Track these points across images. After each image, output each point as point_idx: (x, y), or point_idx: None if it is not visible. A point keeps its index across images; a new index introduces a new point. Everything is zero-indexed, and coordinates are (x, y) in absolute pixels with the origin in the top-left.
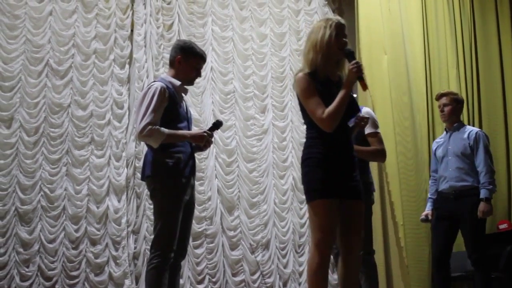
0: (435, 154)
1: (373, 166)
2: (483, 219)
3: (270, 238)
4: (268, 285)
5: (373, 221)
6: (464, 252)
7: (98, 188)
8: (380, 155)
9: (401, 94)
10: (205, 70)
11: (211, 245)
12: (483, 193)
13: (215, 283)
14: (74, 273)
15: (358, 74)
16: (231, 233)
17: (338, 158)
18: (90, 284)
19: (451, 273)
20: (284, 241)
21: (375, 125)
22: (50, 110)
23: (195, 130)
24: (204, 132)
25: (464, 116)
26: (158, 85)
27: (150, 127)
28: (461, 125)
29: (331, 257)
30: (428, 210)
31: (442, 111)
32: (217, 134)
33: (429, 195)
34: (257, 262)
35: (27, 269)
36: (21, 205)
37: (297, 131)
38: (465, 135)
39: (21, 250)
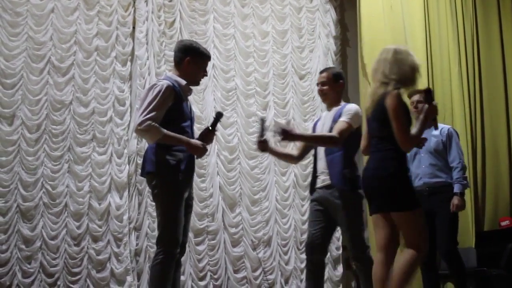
0: None
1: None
2: (457, 215)
3: (272, 235)
4: (269, 281)
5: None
6: (467, 248)
7: (100, 185)
8: (328, 140)
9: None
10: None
11: (212, 242)
12: (457, 188)
13: (216, 279)
14: (76, 270)
15: (435, 115)
16: (233, 230)
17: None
18: (92, 280)
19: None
20: (286, 238)
21: (349, 116)
22: (52, 107)
23: (193, 140)
24: (202, 144)
25: (466, 114)
26: (165, 83)
27: (149, 122)
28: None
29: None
30: None
31: (416, 107)
32: (218, 132)
33: None
34: (258, 259)
35: (29, 266)
36: (23, 202)
37: (299, 128)
38: (437, 132)
39: (23, 246)
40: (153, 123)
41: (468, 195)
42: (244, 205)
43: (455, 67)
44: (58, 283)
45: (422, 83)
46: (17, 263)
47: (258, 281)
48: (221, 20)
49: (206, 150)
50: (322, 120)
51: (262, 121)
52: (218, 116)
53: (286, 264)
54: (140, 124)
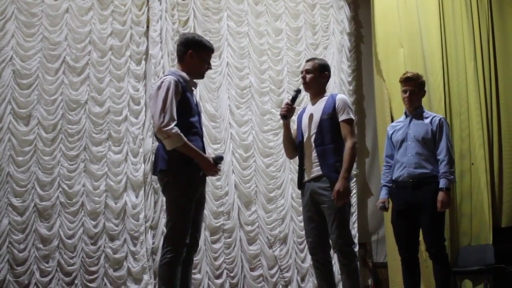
0: (391, 138)
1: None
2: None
3: (288, 232)
4: (286, 279)
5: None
6: (485, 245)
7: (116, 184)
8: (354, 152)
9: None
10: (221, 65)
11: (228, 240)
12: (442, 183)
13: (233, 277)
14: (93, 269)
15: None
16: (249, 228)
17: None
18: (109, 279)
19: (470, 267)
20: (302, 236)
21: (349, 111)
22: (68, 107)
23: (209, 157)
24: (216, 164)
25: (482, 109)
26: (171, 79)
27: (171, 127)
28: (422, 109)
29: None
30: (384, 197)
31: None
32: (233, 129)
33: (384, 183)
34: (275, 257)
35: (46, 265)
36: (40, 201)
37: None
38: (428, 120)
39: (40, 246)
40: (176, 130)
41: (485, 191)
42: (260, 203)
43: (470, 62)
44: (76, 281)
45: (437, 78)
46: (35, 262)
47: (274, 279)
48: (235, 18)
49: (218, 170)
50: (308, 112)
51: (298, 91)
52: (218, 159)
53: (302, 262)
54: (164, 126)
